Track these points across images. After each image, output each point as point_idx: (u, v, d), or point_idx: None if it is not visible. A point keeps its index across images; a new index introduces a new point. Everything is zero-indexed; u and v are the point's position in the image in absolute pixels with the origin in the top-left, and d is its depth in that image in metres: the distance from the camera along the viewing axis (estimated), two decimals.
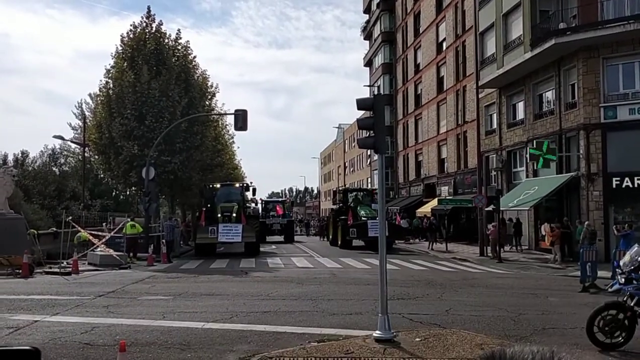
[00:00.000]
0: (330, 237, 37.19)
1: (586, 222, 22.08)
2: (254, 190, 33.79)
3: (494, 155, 32.43)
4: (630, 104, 23.15)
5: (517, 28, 27.61)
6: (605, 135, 23.57)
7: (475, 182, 31.38)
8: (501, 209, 26.50)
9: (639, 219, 22.85)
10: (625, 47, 23.25)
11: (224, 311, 11.33)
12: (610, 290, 9.30)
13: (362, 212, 32.01)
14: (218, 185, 31.74)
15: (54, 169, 49.64)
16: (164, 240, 25.98)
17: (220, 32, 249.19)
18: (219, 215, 27.72)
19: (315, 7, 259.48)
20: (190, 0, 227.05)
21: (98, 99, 33.09)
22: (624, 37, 22.82)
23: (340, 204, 36.47)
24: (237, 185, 34.07)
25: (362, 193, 37.72)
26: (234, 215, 27.66)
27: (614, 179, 23.24)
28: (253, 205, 40.23)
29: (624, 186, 23.04)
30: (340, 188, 44.01)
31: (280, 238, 42.49)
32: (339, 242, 33.04)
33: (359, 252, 28.87)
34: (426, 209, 40.77)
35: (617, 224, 21.03)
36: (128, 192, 43.95)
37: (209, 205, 29.57)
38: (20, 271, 18.05)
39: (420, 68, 48.13)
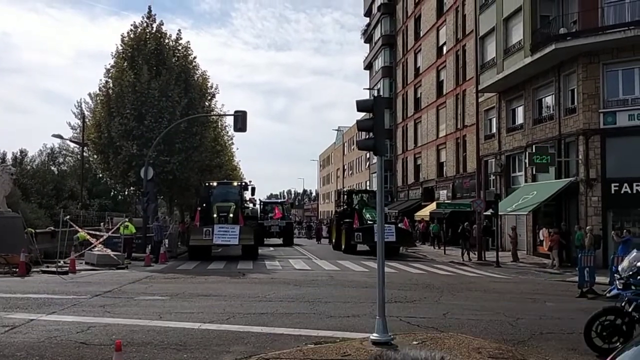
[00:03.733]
0: (334, 240, 35.26)
1: (588, 227, 22.17)
2: (253, 189, 32.17)
3: (493, 160, 32.45)
4: (630, 110, 23.18)
5: (518, 33, 27.63)
6: (605, 141, 23.59)
7: (474, 186, 31.36)
8: (499, 213, 26.51)
9: (637, 225, 22.86)
10: (626, 53, 23.26)
11: (220, 312, 11.29)
12: (608, 295, 9.26)
13: (368, 215, 29.95)
14: (215, 184, 29.76)
15: (52, 168, 49.60)
16: (166, 241, 25.79)
17: (219, 33, 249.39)
18: (215, 215, 26.06)
19: (314, 9, 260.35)
20: (189, 0, 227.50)
21: (98, 98, 33.17)
22: (625, 42, 22.84)
23: (345, 206, 34.73)
24: (235, 184, 31.59)
25: (367, 195, 34.71)
26: (231, 215, 25.98)
27: (612, 184, 23.24)
28: (251, 205, 38.17)
29: (622, 192, 23.04)
30: (345, 189, 42.52)
31: (279, 241, 40.57)
32: (343, 247, 30.94)
33: (359, 256, 28.18)
34: (425, 212, 40.74)
35: (616, 230, 21.04)
36: (126, 192, 43.90)
37: (204, 205, 27.68)
38: (17, 270, 17.98)
39: (420, 72, 48.16)
